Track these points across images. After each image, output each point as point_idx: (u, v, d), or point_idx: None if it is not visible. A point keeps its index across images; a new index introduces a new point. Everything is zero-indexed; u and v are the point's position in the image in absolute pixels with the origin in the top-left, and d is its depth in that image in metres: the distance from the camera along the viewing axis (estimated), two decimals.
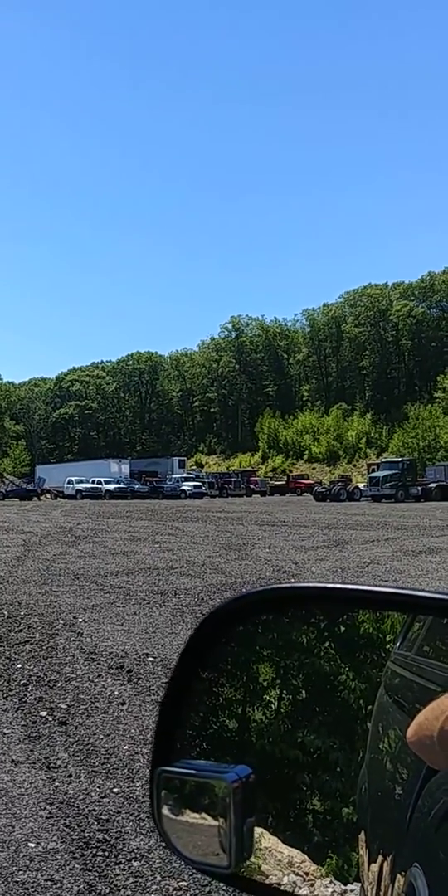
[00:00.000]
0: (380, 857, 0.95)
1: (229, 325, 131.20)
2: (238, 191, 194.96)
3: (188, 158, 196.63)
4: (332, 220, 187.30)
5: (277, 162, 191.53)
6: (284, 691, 1.11)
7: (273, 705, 1.10)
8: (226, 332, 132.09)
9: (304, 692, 1.11)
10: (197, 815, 0.99)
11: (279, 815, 1.03)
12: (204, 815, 0.98)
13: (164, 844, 1.04)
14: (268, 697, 1.11)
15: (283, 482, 78.79)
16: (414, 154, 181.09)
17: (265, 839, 1.00)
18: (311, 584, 1.13)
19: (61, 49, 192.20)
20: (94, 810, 4.23)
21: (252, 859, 0.99)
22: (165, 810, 1.02)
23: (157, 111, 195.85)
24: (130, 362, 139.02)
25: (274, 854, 1.00)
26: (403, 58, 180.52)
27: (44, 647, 8.00)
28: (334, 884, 0.96)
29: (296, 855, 0.99)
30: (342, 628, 1.08)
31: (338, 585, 1.06)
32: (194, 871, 1.02)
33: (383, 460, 68.46)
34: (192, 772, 1.03)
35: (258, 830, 0.99)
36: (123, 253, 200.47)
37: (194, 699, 1.12)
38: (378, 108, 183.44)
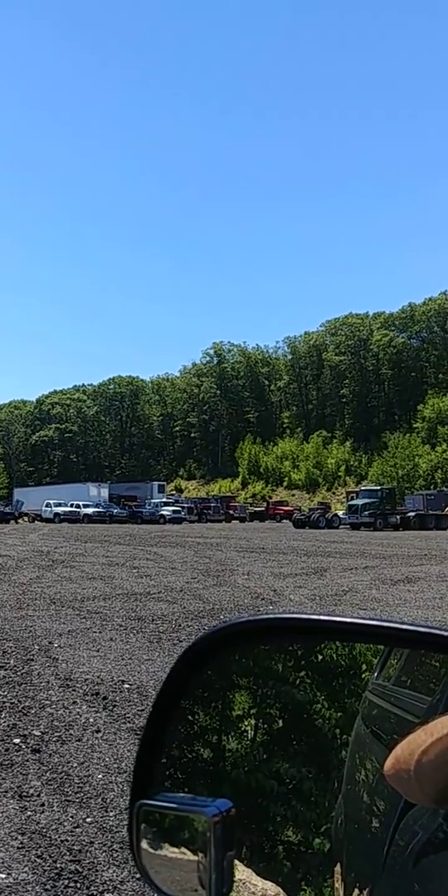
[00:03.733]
0: (356, 891, 0.94)
1: (211, 351, 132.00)
2: (221, 218, 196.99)
3: (173, 185, 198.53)
4: (315, 249, 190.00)
5: (261, 191, 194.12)
6: (260, 720, 1.10)
7: (249, 734, 1.09)
8: (208, 358, 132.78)
9: (280, 721, 1.10)
10: (176, 850, 0.97)
11: (253, 846, 1.01)
12: (183, 849, 0.96)
13: (142, 879, 1.01)
14: (243, 726, 1.10)
15: (263, 508, 78.77)
16: (395, 186, 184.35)
17: (239, 871, 0.98)
18: (290, 616, 1.11)
19: (54, 51, 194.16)
20: (67, 840, 4.15)
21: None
22: (145, 844, 1.00)
23: (143, 130, 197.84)
24: (112, 386, 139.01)
25: (248, 886, 0.98)
26: (398, 76, 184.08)
27: (18, 673, 7.88)
28: None
29: (270, 887, 0.98)
30: (319, 657, 1.08)
31: (314, 617, 1.05)
32: None
33: (362, 488, 68.74)
34: (172, 805, 1.01)
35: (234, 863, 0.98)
36: (106, 277, 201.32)
37: (174, 732, 1.10)
38: (363, 136, 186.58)
